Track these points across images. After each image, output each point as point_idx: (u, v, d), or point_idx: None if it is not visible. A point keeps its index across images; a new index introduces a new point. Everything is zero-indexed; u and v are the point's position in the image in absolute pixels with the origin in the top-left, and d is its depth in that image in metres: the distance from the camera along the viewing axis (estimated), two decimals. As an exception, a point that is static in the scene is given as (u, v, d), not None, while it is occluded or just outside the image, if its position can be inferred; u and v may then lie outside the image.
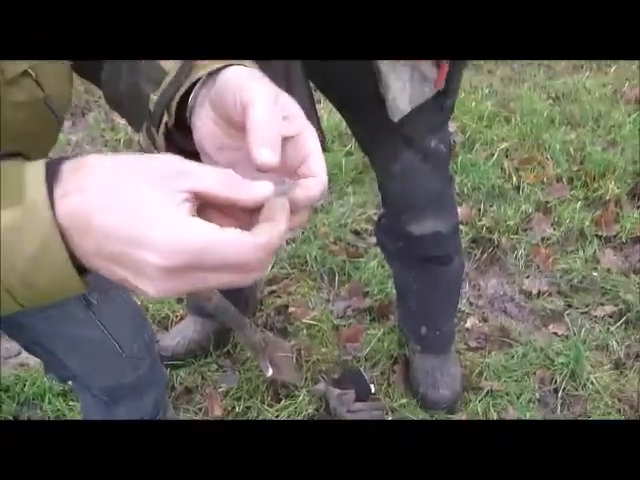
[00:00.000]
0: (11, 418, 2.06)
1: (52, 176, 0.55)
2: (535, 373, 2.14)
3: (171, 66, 0.68)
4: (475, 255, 2.49)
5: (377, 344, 2.22)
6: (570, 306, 2.33)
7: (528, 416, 2.02)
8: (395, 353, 2.20)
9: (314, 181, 0.64)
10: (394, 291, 2.27)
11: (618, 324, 2.25)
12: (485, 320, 2.31)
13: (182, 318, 2.28)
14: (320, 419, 2.02)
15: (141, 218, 0.54)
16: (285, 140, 0.63)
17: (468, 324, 2.29)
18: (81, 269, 0.57)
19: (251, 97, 0.62)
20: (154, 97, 0.71)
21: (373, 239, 2.50)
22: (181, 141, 0.73)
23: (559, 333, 2.24)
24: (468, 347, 2.23)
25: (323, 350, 2.21)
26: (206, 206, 0.58)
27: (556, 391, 2.10)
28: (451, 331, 2.12)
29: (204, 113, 0.68)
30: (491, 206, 2.65)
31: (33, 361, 2.22)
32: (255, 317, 2.28)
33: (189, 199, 0.56)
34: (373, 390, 2.08)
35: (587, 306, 2.32)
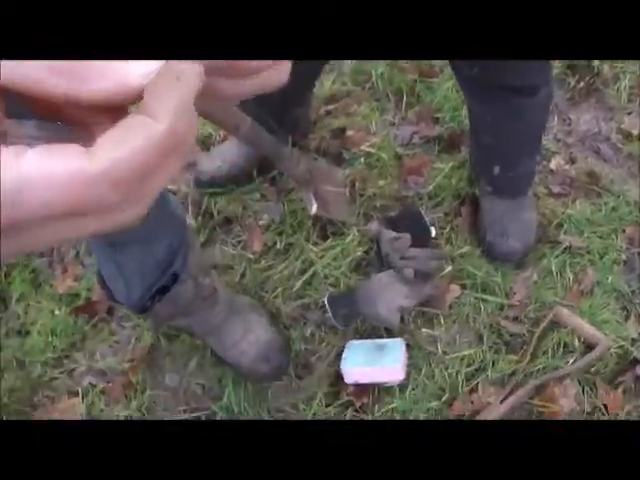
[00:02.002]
0: None
1: None
2: (624, 231, 1.84)
3: None
4: (569, 83, 2.11)
5: (443, 180, 1.93)
6: (676, 152, 1.97)
7: (610, 280, 1.75)
8: (463, 192, 1.92)
9: None
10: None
11: None
12: (573, 162, 1.98)
13: (226, 138, 2.02)
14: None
15: None
16: None
17: (552, 164, 1.97)
18: None
19: None
20: None
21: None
22: None
23: (659, 185, 1.91)
24: (549, 192, 1.93)
25: (381, 183, 1.93)
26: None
27: (646, 254, 1.81)
28: (529, 173, 1.80)
29: None
30: (596, 23, 2.23)
31: None
32: (307, 140, 2.00)
33: None
34: (434, 234, 1.82)
35: (696, 155, 1.97)
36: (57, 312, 1.81)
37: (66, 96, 0.34)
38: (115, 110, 0.36)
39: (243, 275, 1.81)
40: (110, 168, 0.32)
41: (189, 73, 0.35)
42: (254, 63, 0.39)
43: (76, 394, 1.67)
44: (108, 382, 1.69)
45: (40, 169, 0.31)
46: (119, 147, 0.32)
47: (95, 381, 1.69)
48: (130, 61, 0.35)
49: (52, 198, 0.32)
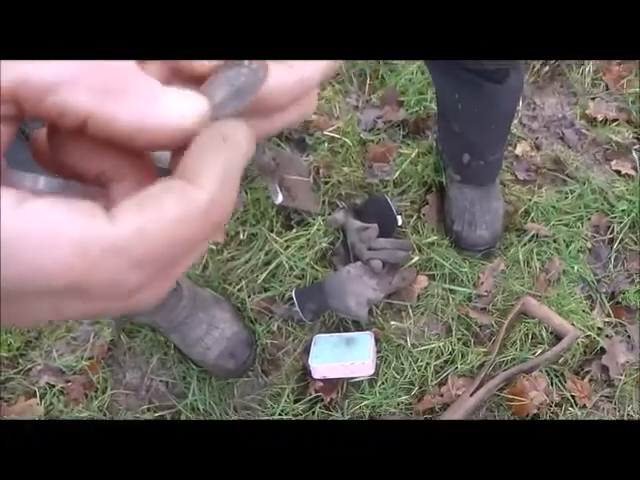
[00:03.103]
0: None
1: None
2: (590, 219, 1.83)
3: None
4: (534, 67, 2.08)
5: (409, 167, 1.90)
6: (640, 139, 1.97)
7: (576, 269, 1.74)
8: (429, 180, 1.88)
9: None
10: (434, 104, 1.91)
11: (694, 166, 1.91)
12: (538, 148, 1.96)
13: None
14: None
15: None
16: None
17: (518, 150, 1.95)
18: None
19: None
20: None
21: (415, 36, 2.09)
22: None
23: (623, 172, 1.90)
24: (515, 179, 1.91)
25: (345, 170, 1.89)
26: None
27: (611, 242, 1.80)
28: (498, 161, 1.77)
29: None
30: (559, 5, 2.20)
31: None
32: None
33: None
34: (400, 222, 1.79)
35: (660, 140, 1.96)
36: (10, 306, 1.73)
37: (91, 115, 0.27)
38: (140, 166, 0.30)
39: (205, 267, 1.75)
40: (134, 237, 0.26)
41: (239, 135, 0.29)
42: (281, 99, 0.33)
43: (33, 395, 1.60)
44: (67, 381, 1.62)
45: (44, 224, 0.24)
46: (148, 212, 0.26)
47: (53, 381, 1.62)
48: (168, 97, 0.29)
49: (51, 265, 0.25)
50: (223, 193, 0.28)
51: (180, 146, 0.29)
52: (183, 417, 1.56)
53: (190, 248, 0.28)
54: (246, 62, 0.32)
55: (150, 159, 0.31)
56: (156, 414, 1.58)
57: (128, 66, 0.28)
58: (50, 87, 0.26)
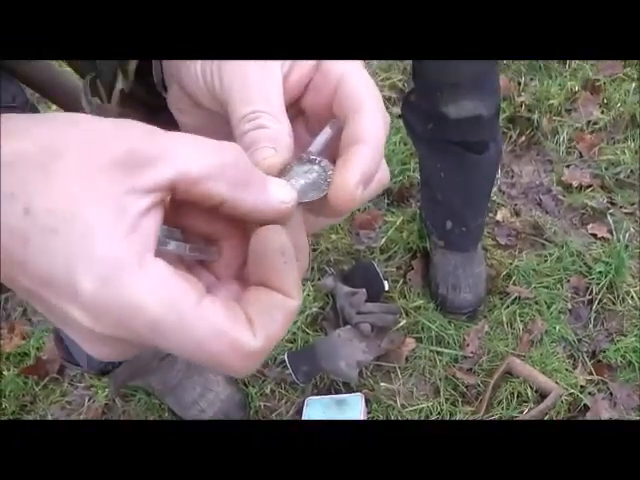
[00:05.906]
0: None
1: None
2: (569, 280, 1.90)
3: None
4: (511, 137, 2.19)
5: (395, 234, 1.97)
6: (614, 204, 2.06)
7: (557, 329, 1.81)
8: (414, 246, 1.96)
9: (363, 152, 0.40)
10: (417, 173, 1.99)
11: (666, 229, 2.00)
12: (517, 214, 2.05)
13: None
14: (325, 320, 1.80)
15: (67, 244, 0.31)
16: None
17: (498, 216, 2.03)
18: None
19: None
20: None
21: (397, 109, 2.19)
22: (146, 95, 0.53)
23: (599, 235, 1.98)
24: (497, 244, 1.98)
25: (333, 237, 1.96)
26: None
27: (591, 302, 1.87)
28: (480, 228, 1.85)
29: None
30: (532, 79, 2.32)
31: None
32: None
33: (156, 203, 0.33)
34: (387, 287, 1.85)
35: (633, 205, 2.05)
36: (5, 372, 1.76)
37: (225, 201, 0.36)
38: (242, 227, 0.40)
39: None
40: (266, 346, 0.35)
41: (290, 248, 0.38)
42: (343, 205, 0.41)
43: (30, 460, 1.62)
44: (63, 446, 1.64)
45: (212, 325, 0.34)
46: (272, 327, 0.36)
47: (49, 445, 1.64)
48: (272, 186, 0.38)
49: (215, 354, 0.34)
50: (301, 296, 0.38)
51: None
52: None
53: None
54: (315, 158, 0.41)
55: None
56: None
57: (247, 162, 0.37)
58: (201, 179, 0.34)
